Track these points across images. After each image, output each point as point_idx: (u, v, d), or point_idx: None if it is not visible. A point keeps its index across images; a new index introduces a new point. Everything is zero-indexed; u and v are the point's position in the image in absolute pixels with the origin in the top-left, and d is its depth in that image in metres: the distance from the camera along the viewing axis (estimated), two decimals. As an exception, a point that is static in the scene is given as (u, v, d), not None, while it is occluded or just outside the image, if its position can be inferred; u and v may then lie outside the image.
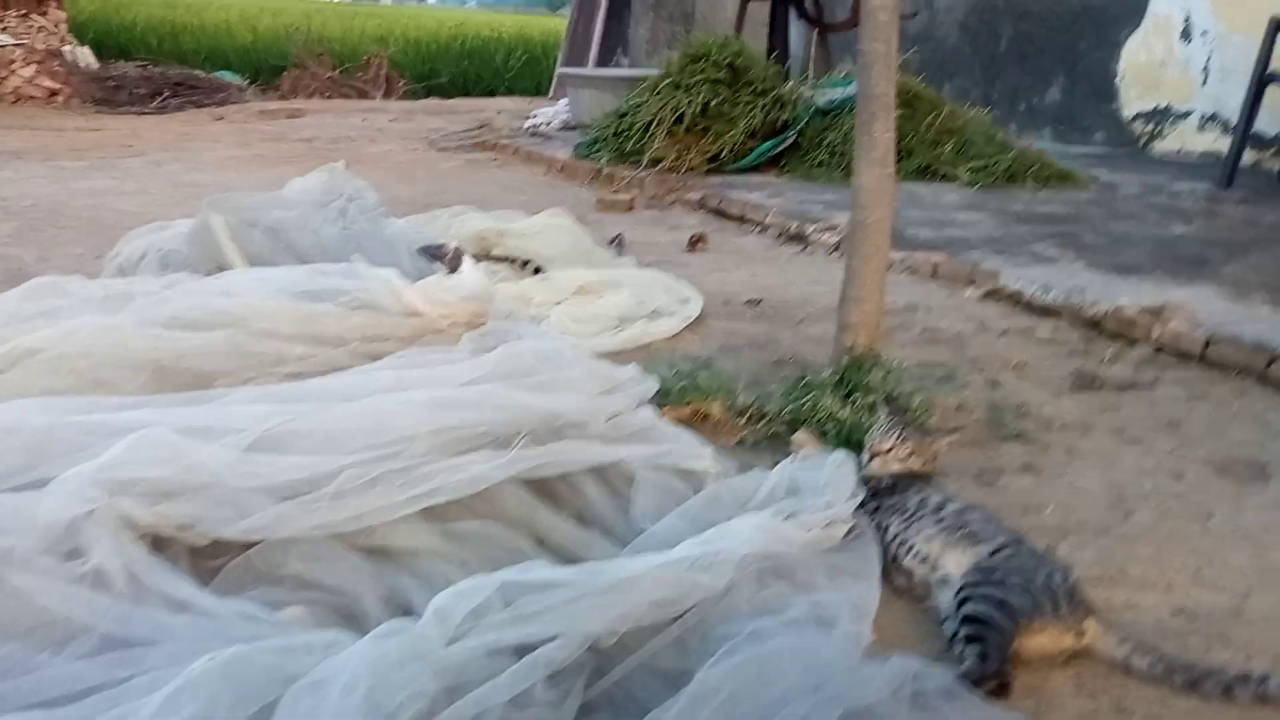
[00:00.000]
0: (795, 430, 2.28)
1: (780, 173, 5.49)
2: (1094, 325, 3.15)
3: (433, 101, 12.15)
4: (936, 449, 1.90)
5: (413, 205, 4.77)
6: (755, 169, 5.51)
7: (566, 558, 1.42)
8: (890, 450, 1.86)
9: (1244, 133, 5.34)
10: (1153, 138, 6.78)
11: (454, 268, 3.04)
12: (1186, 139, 6.62)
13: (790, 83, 5.79)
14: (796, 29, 7.38)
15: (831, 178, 5.30)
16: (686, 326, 3.07)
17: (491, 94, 14.41)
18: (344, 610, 1.32)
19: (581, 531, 1.44)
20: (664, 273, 3.45)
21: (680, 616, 1.31)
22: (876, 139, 2.34)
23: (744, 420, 2.38)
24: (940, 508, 1.71)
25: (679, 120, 5.39)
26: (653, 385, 1.88)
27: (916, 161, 5.41)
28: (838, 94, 5.53)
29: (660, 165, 5.39)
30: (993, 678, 1.37)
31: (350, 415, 1.42)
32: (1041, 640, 1.46)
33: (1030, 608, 1.46)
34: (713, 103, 5.39)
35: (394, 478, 1.39)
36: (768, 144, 5.44)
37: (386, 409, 1.44)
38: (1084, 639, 1.49)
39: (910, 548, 1.66)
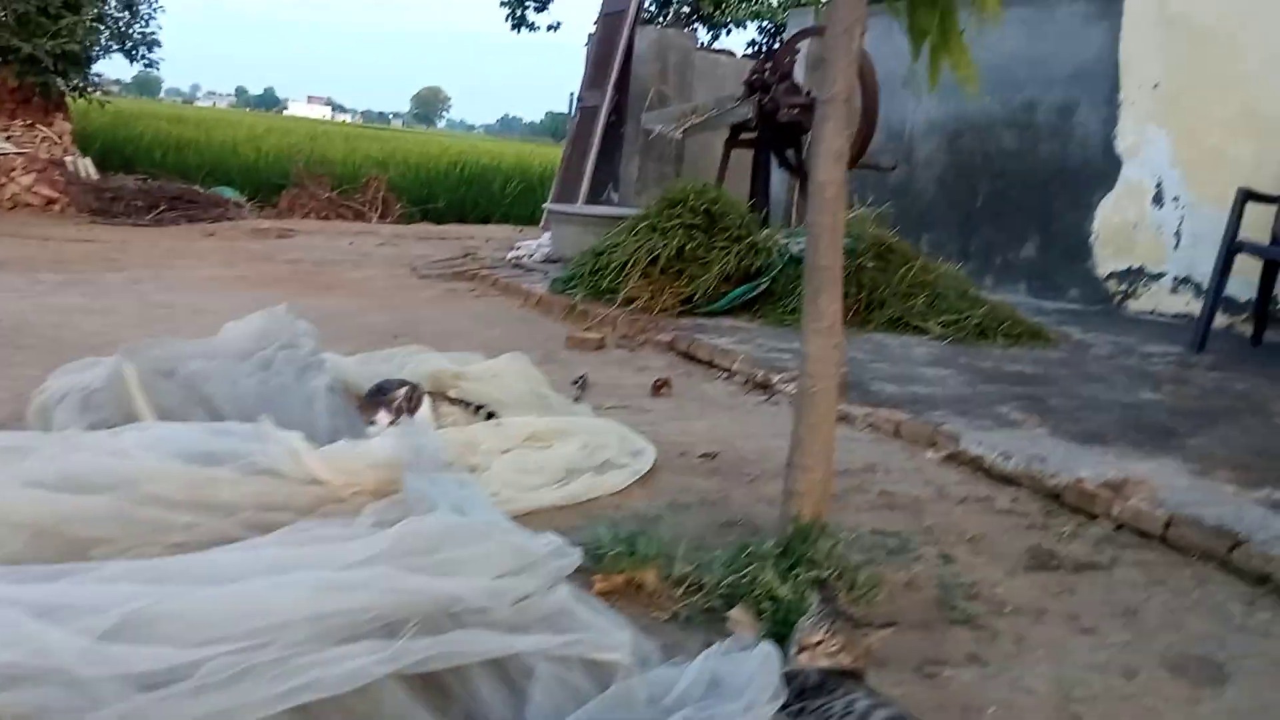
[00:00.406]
0: (732, 605, 2.18)
1: (753, 318, 5.50)
2: (1054, 497, 3.08)
3: (424, 226, 12.35)
4: (869, 644, 1.80)
5: (384, 335, 4.76)
6: (728, 313, 5.53)
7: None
8: (819, 644, 1.76)
9: (1214, 299, 5.39)
10: (1126, 297, 6.86)
11: (412, 409, 2.99)
12: (1160, 300, 6.69)
13: (766, 230, 5.87)
14: (780, 176, 7.54)
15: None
16: (637, 480, 2.99)
17: (486, 220, 14.68)
18: (191, 823, 1.20)
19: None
20: (618, 422, 3.39)
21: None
22: (823, 310, 2.32)
23: (680, 591, 2.28)
24: (866, 715, 1.60)
25: (654, 262, 5.43)
26: (574, 560, 1.79)
27: (888, 313, 5.44)
28: (813, 243, 5.59)
29: (634, 305, 5.40)
30: None
31: (223, 598, 1.33)
32: None
33: None
34: (688, 246, 5.45)
35: (264, 670, 1.29)
36: (741, 289, 5.47)
37: (262, 592, 1.34)
38: None
39: None
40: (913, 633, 2.22)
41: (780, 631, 2.06)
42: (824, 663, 1.76)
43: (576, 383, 4.13)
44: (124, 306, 5.19)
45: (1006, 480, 3.22)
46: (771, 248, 5.60)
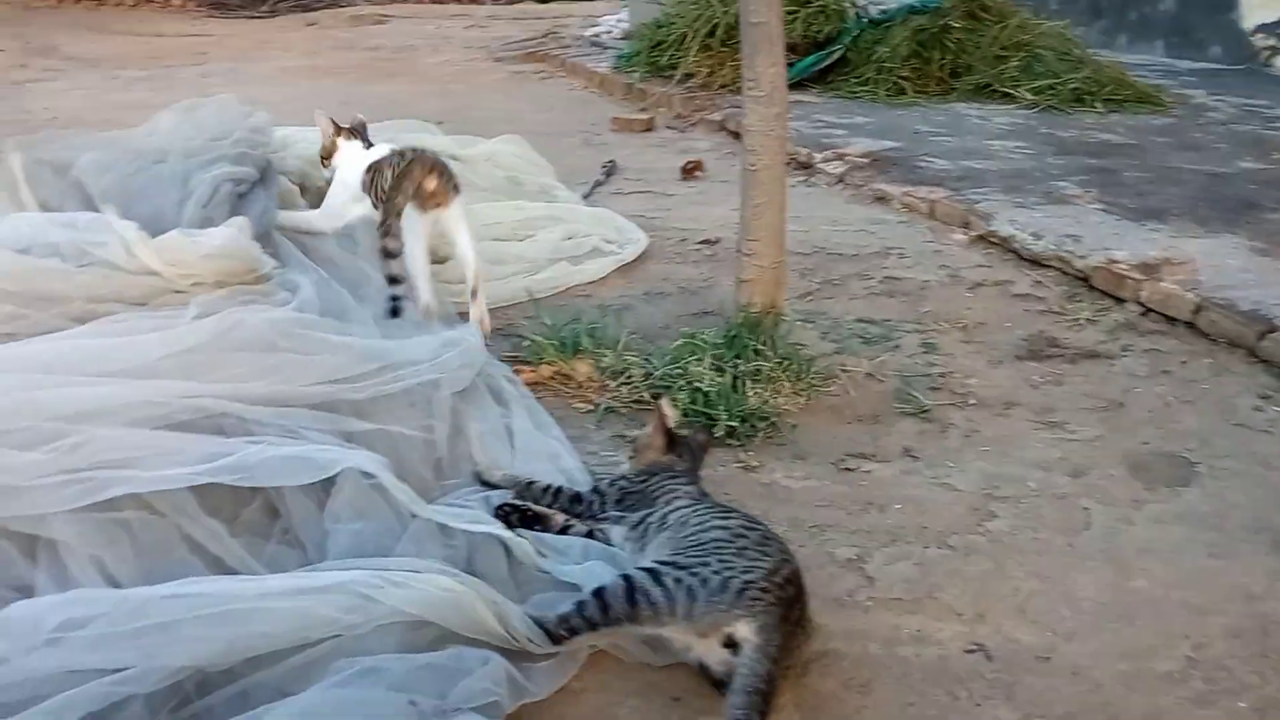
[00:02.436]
0: (659, 398, 2.09)
1: (824, 90, 5.09)
2: (1083, 280, 2.79)
3: (526, 5, 11.88)
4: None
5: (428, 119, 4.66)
6: (799, 86, 5.11)
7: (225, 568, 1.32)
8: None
9: (1367, 49, 4.62)
10: (1275, 54, 5.97)
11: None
12: (1315, 54, 5.81)
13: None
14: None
15: (876, 97, 4.88)
16: (619, 269, 2.87)
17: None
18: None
19: (237, 542, 1.32)
20: (621, 209, 3.25)
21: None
22: (760, 75, 2.06)
23: (616, 383, 2.20)
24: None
25: (712, 33, 5.04)
26: (441, 369, 1.71)
27: (975, 79, 4.93)
28: (893, 2, 5.06)
29: (693, 81, 5.08)
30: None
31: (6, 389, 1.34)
32: None
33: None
34: (749, 14, 5.01)
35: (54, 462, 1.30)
36: (810, 59, 5.04)
37: (41, 384, 1.34)
38: None
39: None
40: (856, 425, 2.08)
41: (706, 422, 1.99)
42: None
43: (605, 167, 3.97)
44: (182, 100, 5.24)
45: (1035, 262, 2.93)
46: (845, 9, 5.09)
